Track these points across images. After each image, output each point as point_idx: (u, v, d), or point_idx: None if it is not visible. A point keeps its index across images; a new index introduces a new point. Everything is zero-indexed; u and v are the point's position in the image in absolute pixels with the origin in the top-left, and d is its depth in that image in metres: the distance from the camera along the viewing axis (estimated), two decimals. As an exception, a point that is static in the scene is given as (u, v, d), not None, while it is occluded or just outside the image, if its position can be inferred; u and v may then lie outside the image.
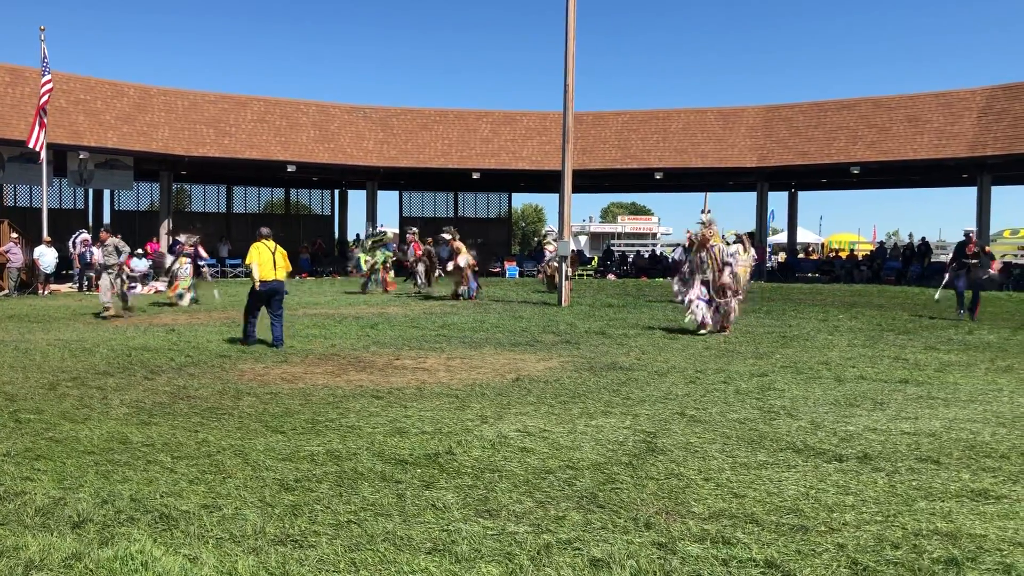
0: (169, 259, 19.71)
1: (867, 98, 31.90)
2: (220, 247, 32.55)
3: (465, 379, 9.08)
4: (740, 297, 13.87)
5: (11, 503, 4.68)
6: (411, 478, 5.23)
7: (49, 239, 23.50)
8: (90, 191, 32.37)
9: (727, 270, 13.28)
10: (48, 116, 23.72)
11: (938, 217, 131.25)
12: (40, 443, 6.07)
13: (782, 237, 43.86)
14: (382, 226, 31.83)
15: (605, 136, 34.33)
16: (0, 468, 5.40)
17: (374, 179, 34.23)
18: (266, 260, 11.91)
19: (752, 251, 22.33)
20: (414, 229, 25.93)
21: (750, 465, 5.56)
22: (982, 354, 11.27)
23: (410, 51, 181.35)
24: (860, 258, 36.17)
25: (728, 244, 14.01)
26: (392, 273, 24.81)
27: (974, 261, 16.09)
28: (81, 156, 27.38)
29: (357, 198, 43.10)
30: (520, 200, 74.56)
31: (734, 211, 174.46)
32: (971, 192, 30.25)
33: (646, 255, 41.20)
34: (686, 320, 13.72)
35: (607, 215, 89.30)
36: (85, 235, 24.44)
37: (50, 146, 24.34)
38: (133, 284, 24.52)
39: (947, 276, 17.04)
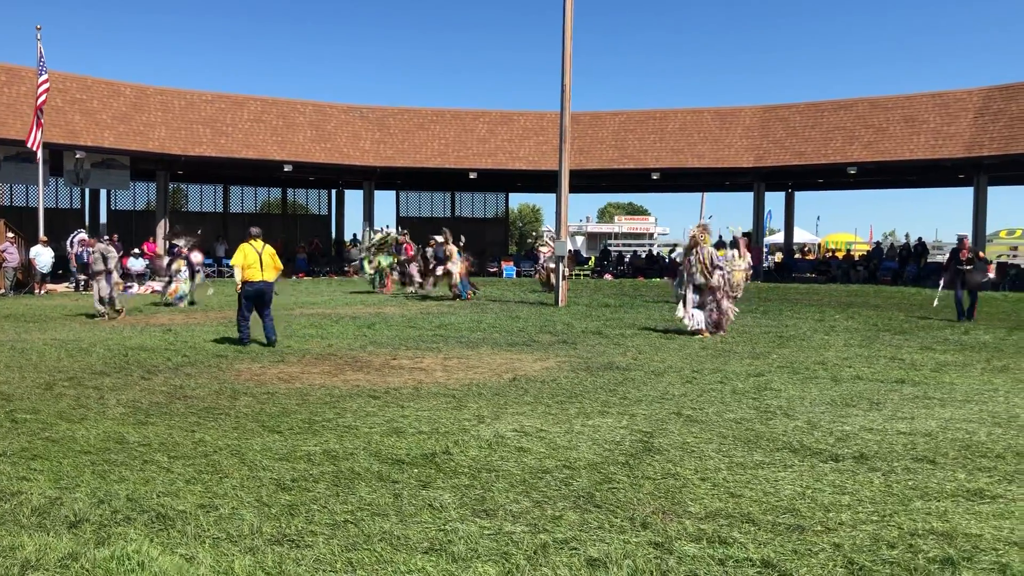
0: (166, 260, 19.67)
1: (864, 98, 31.95)
2: (217, 247, 32.52)
3: (462, 379, 9.09)
4: (735, 295, 13.85)
5: (7, 503, 4.67)
6: (408, 478, 5.23)
7: (45, 239, 23.46)
8: (86, 191, 32.31)
9: (717, 273, 13.25)
10: (44, 115, 23.68)
11: (935, 217, 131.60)
12: (36, 443, 6.06)
13: (779, 237, 43.90)
14: (387, 227, 31.65)
15: (602, 136, 34.34)
16: (-4, 468, 5.39)
17: (371, 179, 34.20)
18: (252, 261, 11.87)
19: (748, 256, 22.43)
20: (404, 231, 25.77)
21: (746, 465, 5.57)
22: (978, 354, 11.30)
23: (407, 51, 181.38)
24: (856, 258, 36.22)
25: (729, 244, 14.02)
26: (396, 275, 24.67)
27: (968, 267, 16.09)
28: (77, 155, 27.33)
29: (354, 198, 43.01)
30: (517, 200, 74.65)
31: (731, 211, 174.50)
32: (968, 192, 30.29)
33: (643, 255, 41.23)
34: (683, 323, 13.67)
35: (604, 215, 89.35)
36: (83, 235, 24.39)
37: (46, 145, 24.29)
38: (129, 284, 24.54)
39: (943, 280, 17.03)
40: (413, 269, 23.03)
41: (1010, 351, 11.69)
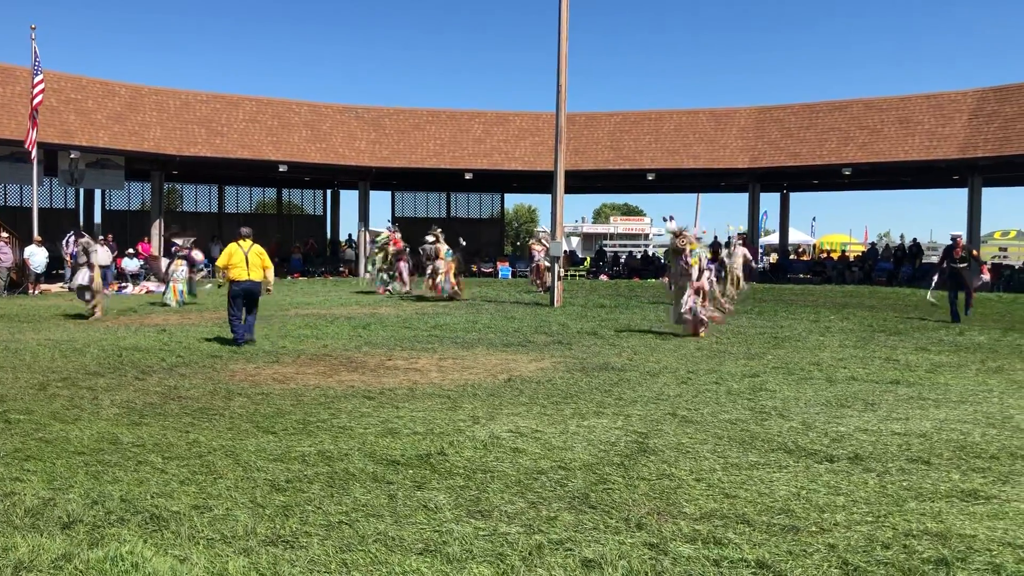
0: (165, 262, 19.64)
1: (858, 100, 32.00)
2: (212, 247, 32.46)
3: (457, 380, 9.08)
4: (729, 303, 13.79)
5: (1, 504, 4.66)
6: (403, 479, 5.22)
7: (40, 239, 23.40)
8: (81, 191, 32.21)
9: (705, 275, 13.22)
10: (39, 115, 23.62)
11: (929, 218, 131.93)
12: (30, 444, 6.04)
13: (774, 238, 43.95)
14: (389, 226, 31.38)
15: (597, 137, 34.35)
16: (-11, 469, 5.37)
17: (366, 179, 34.16)
18: (237, 261, 11.95)
19: (745, 251, 22.45)
20: (392, 226, 25.30)
21: (741, 466, 5.57)
22: (973, 355, 11.32)
23: (403, 51, 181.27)
24: (852, 259, 36.29)
25: (724, 244, 14.00)
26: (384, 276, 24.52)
27: (963, 265, 16.10)
28: (72, 155, 27.25)
29: (349, 198, 43.11)
30: (513, 201, 74.59)
31: (726, 212, 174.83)
32: (962, 194, 30.32)
33: (638, 256, 41.25)
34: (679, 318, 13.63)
35: (599, 216, 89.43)
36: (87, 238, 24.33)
37: (41, 145, 24.22)
38: (124, 285, 24.50)
39: (935, 279, 17.01)
40: (401, 267, 22.91)
41: (1005, 352, 11.71)
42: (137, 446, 5.99)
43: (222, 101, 32.01)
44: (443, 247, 21.00)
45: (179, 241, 19.60)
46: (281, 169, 31.44)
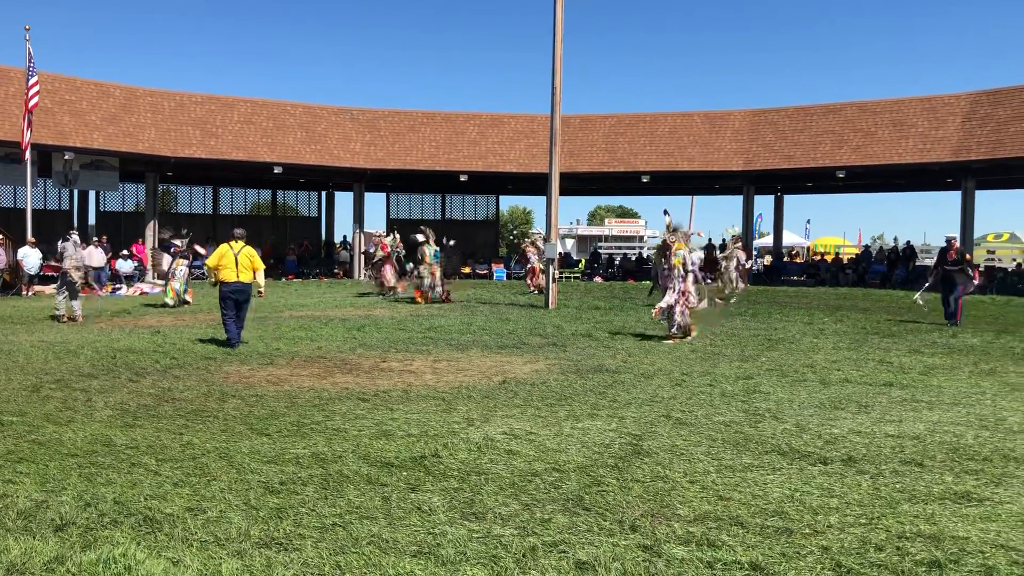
0: (167, 261, 19.59)
1: (852, 103, 32.06)
2: (209, 248, 32.39)
3: (451, 381, 9.08)
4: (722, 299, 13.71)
5: (-7, 506, 4.64)
6: (397, 481, 5.22)
7: (33, 240, 23.34)
8: (75, 192, 32.11)
9: (690, 278, 13.17)
10: (33, 116, 23.56)
11: (923, 221, 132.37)
12: (23, 445, 6.02)
13: (768, 240, 44.02)
14: (396, 231, 31.30)
15: (592, 139, 34.37)
16: (-18, 471, 5.35)
17: (361, 181, 34.13)
18: (227, 262, 11.96)
19: (742, 254, 22.49)
20: (380, 231, 25.28)
21: (735, 468, 5.58)
22: (966, 357, 11.35)
23: (398, 53, 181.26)
24: (845, 261, 36.37)
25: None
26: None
27: (956, 267, 16.14)
28: (66, 157, 27.18)
29: (344, 200, 42.95)
30: (508, 202, 74.71)
31: (721, 215, 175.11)
32: (955, 196, 30.41)
33: (633, 258, 41.28)
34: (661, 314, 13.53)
35: (594, 218, 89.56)
36: (75, 237, 24.27)
37: (35, 146, 24.15)
38: (118, 286, 24.43)
39: (929, 281, 17.04)
40: (386, 270, 22.79)
41: (997, 354, 11.75)
42: (131, 448, 5.98)
43: (217, 102, 31.96)
44: (429, 249, 20.66)
45: (178, 242, 19.58)
46: (276, 171, 31.38)
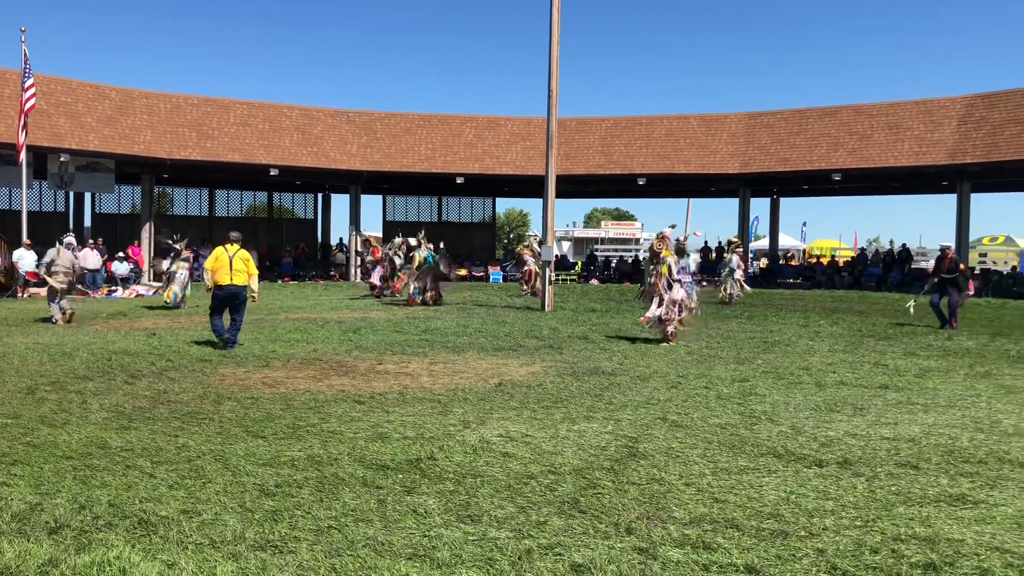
0: (167, 262, 19.59)
1: (848, 106, 32.12)
2: (203, 250, 32.37)
3: (448, 384, 9.07)
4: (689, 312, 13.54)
5: (-13, 509, 4.63)
6: (392, 483, 5.21)
7: (29, 242, 23.30)
8: (71, 194, 32.06)
9: (676, 287, 13.14)
10: (29, 118, 23.52)
11: (919, 224, 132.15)
12: (17, 448, 6.01)
13: (764, 243, 44.06)
14: (400, 235, 31.14)
15: (589, 142, 34.40)
16: (-24, 473, 5.34)
17: (357, 183, 34.11)
18: (221, 265, 12.01)
19: (737, 259, 22.52)
20: (368, 238, 25.35)
21: (731, 470, 5.58)
22: (961, 360, 11.38)
23: (395, 55, 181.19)
24: (841, 264, 36.42)
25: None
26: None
27: (950, 276, 16.16)
28: (62, 158, 27.12)
29: (340, 202, 42.93)
30: (504, 205, 74.68)
31: (717, 217, 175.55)
32: (951, 199, 30.46)
33: (629, 260, 41.30)
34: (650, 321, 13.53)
35: (590, 220, 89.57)
36: (70, 238, 24.23)
37: (30, 148, 24.12)
38: (114, 288, 24.38)
39: (926, 288, 17.06)
40: (375, 275, 22.83)
41: (992, 357, 11.78)
42: (126, 450, 5.97)
43: (213, 104, 31.93)
44: (420, 255, 20.61)
45: (178, 246, 19.56)
46: (272, 173, 31.34)
